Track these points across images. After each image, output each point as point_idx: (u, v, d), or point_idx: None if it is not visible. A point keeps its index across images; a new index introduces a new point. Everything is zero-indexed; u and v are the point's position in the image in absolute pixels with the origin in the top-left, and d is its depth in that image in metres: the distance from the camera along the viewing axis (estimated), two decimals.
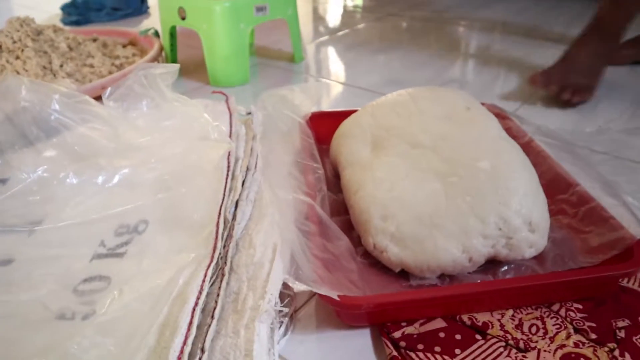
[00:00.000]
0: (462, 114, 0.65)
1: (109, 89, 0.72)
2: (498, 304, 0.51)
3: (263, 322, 0.46)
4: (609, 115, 0.93)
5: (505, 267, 0.56)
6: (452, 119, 0.64)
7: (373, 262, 0.56)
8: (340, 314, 0.50)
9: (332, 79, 1.14)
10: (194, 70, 1.16)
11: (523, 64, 1.17)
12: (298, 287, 0.44)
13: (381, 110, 0.68)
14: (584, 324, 0.50)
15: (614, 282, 0.53)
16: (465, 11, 1.65)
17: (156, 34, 1.20)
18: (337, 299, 0.45)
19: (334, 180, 0.67)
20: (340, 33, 1.47)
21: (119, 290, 0.49)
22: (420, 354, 0.47)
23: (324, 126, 0.76)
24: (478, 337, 0.49)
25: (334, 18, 1.65)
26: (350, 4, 1.81)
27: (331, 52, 1.33)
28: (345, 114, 0.73)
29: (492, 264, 0.55)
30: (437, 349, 0.48)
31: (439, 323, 0.50)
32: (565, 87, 0.96)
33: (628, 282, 0.55)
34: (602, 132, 0.87)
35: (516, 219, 0.53)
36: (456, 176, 0.56)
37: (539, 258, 0.56)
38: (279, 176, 0.62)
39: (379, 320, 0.50)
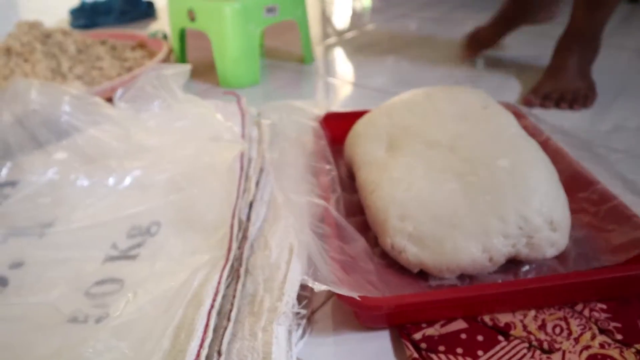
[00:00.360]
0: (478, 112, 0.64)
1: (120, 90, 0.71)
2: (520, 304, 0.50)
3: (281, 324, 0.45)
4: (624, 113, 0.91)
5: (527, 267, 0.54)
6: (469, 118, 0.63)
7: (391, 262, 0.55)
8: (359, 316, 0.49)
9: (342, 80, 1.13)
10: (203, 72, 1.15)
11: (535, 63, 1.15)
12: (317, 287, 0.43)
13: (396, 110, 0.67)
14: (609, 325, 0.49)
15: (639, 282, 0.52)
16: (474, 11, 1.64)
17: (164, 36, 1.20)
18: (358, 299, 0.43)
19: (349, 181, 0.66)
20: (349, 34, 1.46)
21: (133, 292, 0.48)
22: (442, 356, 0.46)
23: (338, 127, 0.75)
24: (500, 338, 0.47)
25: (342, 19, 1.64)
26: (358, 5, 1.81)
27: (340, 54, 1.32)
28: (359, 114, 0.72)
29: (513, 263, 0.54)
30: (459, 350, 0.46)
31: (460, 324, 0.49)
32: (562, 96, 0.94)
33: None
34: (619, 130, 0.86)
35: (537, 217, 0.52)
36: (475, 175, 0.55)
37: (561, 257, 0.55)
38: (292, 180, 0.61)
39: (398, 322, 0.49)
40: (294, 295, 0.47)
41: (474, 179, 0.54)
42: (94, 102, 0.72)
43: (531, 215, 0.52)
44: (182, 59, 1.17)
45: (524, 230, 0.52)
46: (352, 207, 0.61)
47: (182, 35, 1.14)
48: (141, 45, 1.22)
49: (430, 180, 0.55)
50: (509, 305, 0.50)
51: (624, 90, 1.01)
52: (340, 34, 1.47)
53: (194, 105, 0.69)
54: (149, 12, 1.69)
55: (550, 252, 0.53)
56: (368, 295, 0.45)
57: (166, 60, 1.11)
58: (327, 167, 0.63)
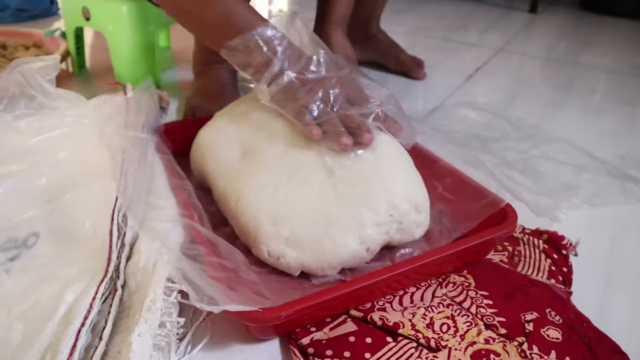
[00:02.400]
0: None
1: None
2: (396, 286, 0.52)
3: (143, 334, 0.41)
4: (520, 113, 0.96)
5: (401, 251, 0.57)
6: None
7: (269, 269, 0.53)
8: (251, 328, 0.46)
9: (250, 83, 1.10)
10: (104, 74, 1.10)
11: (442, 64, 1.19)
12: (205, 307, 0.40)
13: (244, 113, 0.64)
14: (494, 320, 0.49)
15: (494, 243, 0.57)
16: (388, 16, 1.66)
17: (63, 35, 1.13)
18: (255, 311, 0.41)
19: (203, 194, 0.62)
20: None
21: None
22: None
23: (180, 138, 0.70)
24: (389, 339, 0.47)
25: None
26: (274, 9, 1.79)
27: None
28: (199, 122, 0.69)
29: (387, 250, 0.56)
30: (347, 354, 0.45)
31: (349, 326, 0.48)
32: None
33: (537, 275, 0.55)
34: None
35: (404, 203, 0.54)
36: (342, 169, 0.54)
37: (427, 236, 0.58)
38: (145, 205, 0.54)
39: (287, 328, 0.47)
40: (159, 298, 0.44)
41: (342, 174, 0.54)
42: None
43: (399, 202, 0.53)
44: (80, 60, 1.10)
45: (394, 217, 0.53)
46: (213, 220, 0.58)
47: (80, 35, 1.07)
48: (37, 45, 1.14)
49: (298, 180, 0.54)
50: (390, 288, 0.52)
51: (522, 92, 1.06)
52: None
53: (69, 101, 0.64)
54: (51, 10, 1.58)
55: (418, 232, 0.56)
56: (260, 306, 0.42)
57: (63, 60, 1.05)
58: (181, 181, 0.58)
